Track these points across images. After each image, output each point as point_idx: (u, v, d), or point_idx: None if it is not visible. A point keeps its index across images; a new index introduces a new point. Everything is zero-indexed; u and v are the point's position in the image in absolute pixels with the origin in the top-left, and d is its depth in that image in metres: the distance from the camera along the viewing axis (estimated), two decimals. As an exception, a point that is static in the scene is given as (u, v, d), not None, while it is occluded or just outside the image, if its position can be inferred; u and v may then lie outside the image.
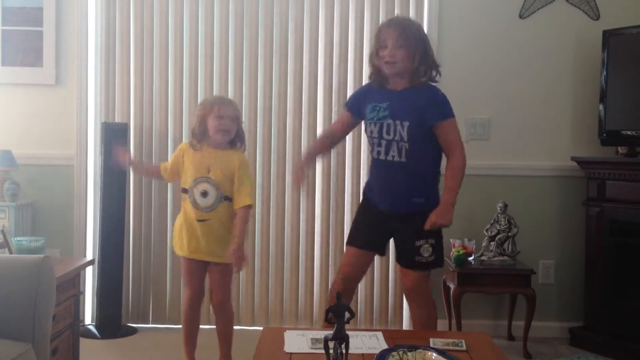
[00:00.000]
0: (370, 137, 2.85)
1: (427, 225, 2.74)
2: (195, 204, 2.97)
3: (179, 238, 3.07)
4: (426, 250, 2.82)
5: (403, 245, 2.91)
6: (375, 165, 2.89)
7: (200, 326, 3.19)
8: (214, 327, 3.21)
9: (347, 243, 3.05)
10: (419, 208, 2.81)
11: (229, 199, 3.00)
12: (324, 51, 3.99)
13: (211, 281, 3.11)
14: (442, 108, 2.77)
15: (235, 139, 3.05)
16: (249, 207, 3.00)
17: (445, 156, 2.84)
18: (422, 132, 2.76)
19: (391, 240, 3.03)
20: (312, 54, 3.99)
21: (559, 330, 3.98)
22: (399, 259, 2.99)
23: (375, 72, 2.87)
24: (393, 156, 2.78)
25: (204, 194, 2.97)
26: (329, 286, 4.01)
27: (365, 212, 3.02)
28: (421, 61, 2.76)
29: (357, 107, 2.95)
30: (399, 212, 2.86)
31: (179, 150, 3.12)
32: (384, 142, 2.79)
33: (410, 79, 2.79)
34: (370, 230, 2.97)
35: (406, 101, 2.77)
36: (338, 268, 3.13)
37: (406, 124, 2.73)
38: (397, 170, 2.80)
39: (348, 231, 3.94)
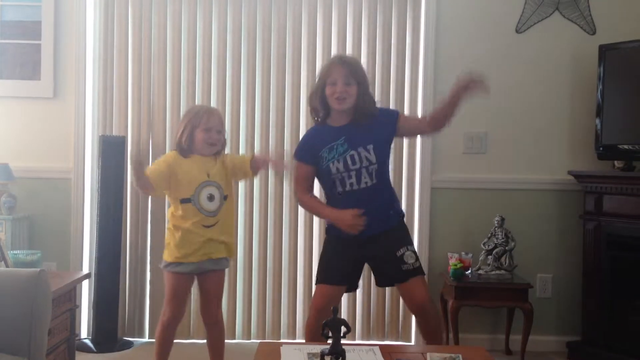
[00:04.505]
0: (336, 174, 2.85)
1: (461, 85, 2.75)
2: (202, 209, 2.96)
3: (182, 246, 2.96)
4: (410, 257, 2.85)
5: (385, 262, 2.87)
6: (347, 197, 2.85)
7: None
8: (204, 341, 3.18)
9: (319, 282, 2.95)
10: (391, 221, 2.90)
11: (226, 197, 3.03)
12: (322, 64, 3.99)
13: (208, 291, 3.07)
14: (390, 109, 3.14)
15: (220, 150, 3.09)
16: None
17: (419, 130, 3.13)
18: (386, 150, 2.90)
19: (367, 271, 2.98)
20: (311, 67, 4.00)
21: (556, 344, 3.97)
22: (389, 279, 2.94)
23: (315, 111, 2.95)
24: (366, 182, 2.83)
25: (211, 197, 2.98)
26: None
27: (335, 248, 2.96)
28: (366, 98, 2.88)
29: (309, 156, 2.94)
30: (377, 232, 2.85)
31: (170, 158, 3.03)
32: (353, 173, 2.83)
33: (354, 116, 2.87)
34: (344, 264, 2.92)
35: (361, 128, 2.85)
36: (310, 305, 2.99)
37: (370, 146, 2.82)
38: (371, 193, 2.84)
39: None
